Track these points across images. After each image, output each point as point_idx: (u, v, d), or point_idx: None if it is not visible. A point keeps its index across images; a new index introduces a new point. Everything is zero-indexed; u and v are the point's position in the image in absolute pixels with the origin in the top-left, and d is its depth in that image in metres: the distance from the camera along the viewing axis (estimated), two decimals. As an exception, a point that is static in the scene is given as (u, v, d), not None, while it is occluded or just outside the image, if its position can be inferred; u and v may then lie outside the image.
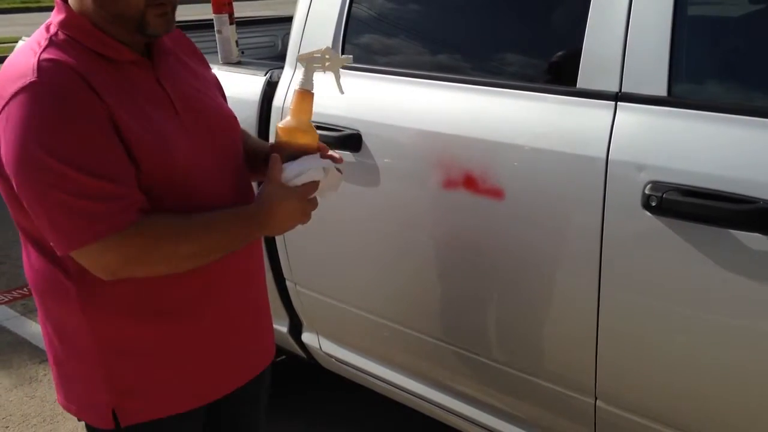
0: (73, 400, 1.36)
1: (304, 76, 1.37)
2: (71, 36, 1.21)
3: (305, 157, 1.33)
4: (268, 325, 1.53)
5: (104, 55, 1.21)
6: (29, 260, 1.31)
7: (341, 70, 1.42)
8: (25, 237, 1.29)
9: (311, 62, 1.38)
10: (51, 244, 1.19)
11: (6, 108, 1.14)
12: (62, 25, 1.21)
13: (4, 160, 1.16)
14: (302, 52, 1.98)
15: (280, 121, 1.38)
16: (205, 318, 1.33)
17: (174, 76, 1.31)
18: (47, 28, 1.23)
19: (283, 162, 1.32)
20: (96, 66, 1.19)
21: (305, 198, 1.32)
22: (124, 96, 1.20)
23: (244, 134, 1.56)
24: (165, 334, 1.30)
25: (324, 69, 1.40)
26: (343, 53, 1.94)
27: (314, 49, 1.41)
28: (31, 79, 1.13)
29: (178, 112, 1.28)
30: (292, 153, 1.33)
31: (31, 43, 1.21)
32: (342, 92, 1.43)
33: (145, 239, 1.18)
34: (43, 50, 1.17)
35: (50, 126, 1.12)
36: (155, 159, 1.21)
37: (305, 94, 1.36)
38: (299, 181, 1.30)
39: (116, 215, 1.15)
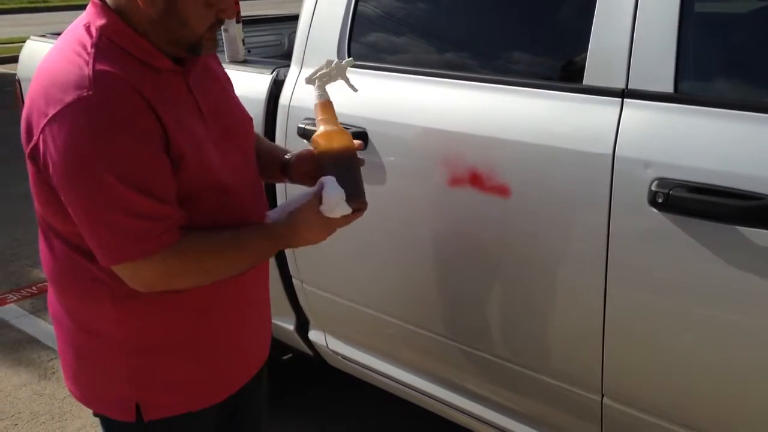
0: (93, 394, 1.37)
1: (318, 90, 1.44)
2: (115, 42, 1.19)
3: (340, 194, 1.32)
4: (269, 319, 1.56)
5: (148, 63, 1.20)
6: (53, 255, 1.30)
7: (350, 69, 1.47)
8: (49, 231, 1.29)
9: (319, 79, 1.44)
10: (94, 253, 1.20)
11: (60, 116, 1.12)
12: (105, 30, 1.19)
13: (52, 167, 1.15)
14: (306, 56, 2.00)
15: (315, 133, 1.42)
16: (227, 314, 1.36)
17: (201, 83, 1.31)
18: (89, 31, 1.19)
19: (326, 170, 1.36)
20: (143, 76, 1.19)
21: (335, 229, 1.35)
22: (169, 107, 1.20)
23: (257, 136, 1.58)
24: (192, 329, 1.32)
25: (332, 80, 1.46)
26: (349, 51, 1.94)
27: (318, 65, 1.47)
28: (89, 92, 1.12)
29: (205, 119, 1.28)
30: (332, 159, 1.38)
31: (75, 47, 1.18)
32: (356, 90, 1.49)
33: (185, 257, 1.21)
34: (95, 59, 1.15)
35: (107, 141, 1.12)
36: (193, 168, 1.22)
37: (326, 103, 1.44)
38: (336, 214, 1.31)
39: (162, 235, 1.18)
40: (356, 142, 1.43)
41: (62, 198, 1.17)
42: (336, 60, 1.46)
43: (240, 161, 1.36)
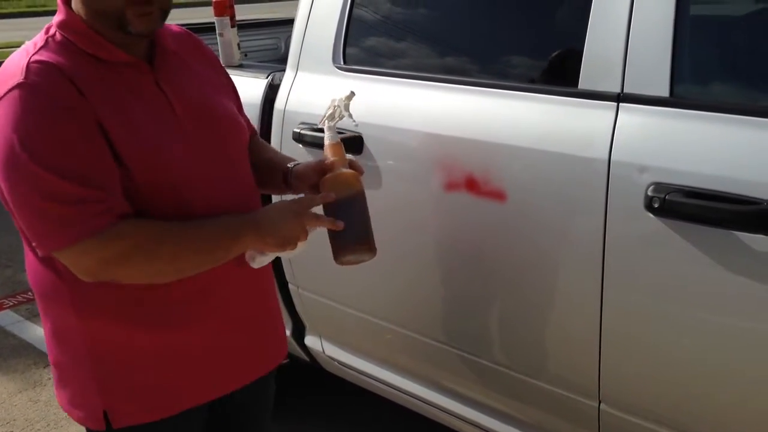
0: (68, 401, 1.37)
1: (328, 132, 1.41)
2: (67, 37, 1.22)
3: None
4: (274, 327, 1.53)
5: (98, 57, 1.21)
6: (28, 262, 1.33)
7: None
8: (24, 239, 1.29)
9: (329, 119, 1.43)
10: (32, 242, 1.21)
11: None
12: (60, 26, 1.23)
13: None
14: (301, 60, 1.99)
15: (327, 175, 1.38)
16: (201, 323, 1.33)
17: (176, 79, 1.30)
18: (47, 30, 1.24)
19: (336, 214, 1.32)
20: (87, 68, 1.20)
21: (308, 221, 1.30)
22: (113, 98, 1.20)
23: (261, 145, 1.56)
24: (158, 338, 1.30)
25: (340, 118, 1.44)
26: (344, 55, 1.94)
27: (328, 108, 1.45)
28: (19, 80, 1.15)
29: (178, 115, 1.27)
30: (341, 202, 1.34)
31: (28, 44, 1.23)
32: (356, 123, 1.49)
33: (123, 242, 1.18)
34: (36, 52, 1.19)
35: (32, 128, 1.13)
36: (143, 163, 1.21)
37: (336, 145, 1.40)
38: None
39: (90, 219, 1.15)
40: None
41: (3, 192, 1.18)
42: (338, 97, 1.45)
43: (221, 163, 1.32)
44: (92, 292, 1.24)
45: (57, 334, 1.33)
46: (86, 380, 1.31)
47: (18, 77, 1.15)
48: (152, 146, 1.22)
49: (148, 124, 1.23)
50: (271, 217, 1.29)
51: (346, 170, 1.38)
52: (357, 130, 1.81)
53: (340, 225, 1.31)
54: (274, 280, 1.52)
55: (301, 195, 1.42)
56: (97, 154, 1.17)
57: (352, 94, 1.45)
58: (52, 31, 1.23)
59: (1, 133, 1.14)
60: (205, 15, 3.67)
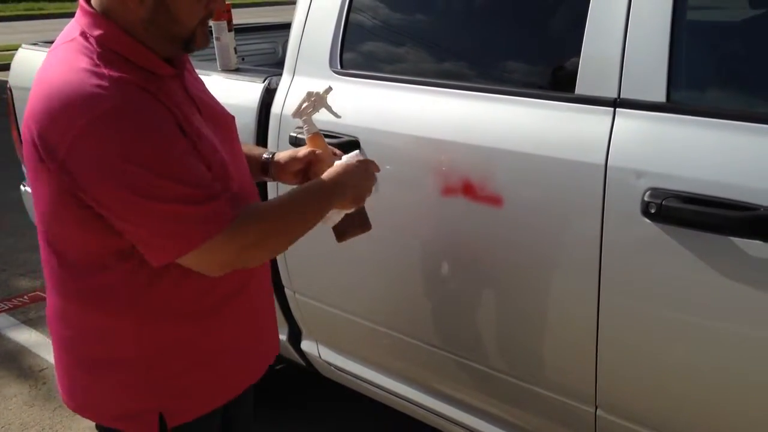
0: (105, 407, 1.34)
1: (305, 125, 1.50)
2: (116, 51, 1.18)
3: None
4: (274, 328, 1.57)
5: (148, 70, 1.21)
6: (70, 277, 1.28)
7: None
8: (56, 243, 1.27)
9: (304, 112, 1.50)
10: (148, 255, 1.20)
11: (89, 129, 1.12)
12: (104, 39, 1.18)
13: (87, 182, 1.15)
14: (298, 64, 1.99)
15: (320, 165, 1.50)
16: (237, 315, 1.37)
17: (193, 85, 1.34)
18: (88, 41, 1.18)
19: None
20: (148, 81, 1.19)
21: (366, 168, 1.43)
22: (181, 111, 1.22)
23: None
24: (205, 332, 1.33)
25: (316, 110, 1.51)
26: (341, 60, 1.94)
27: (303, 98, 1.52)
28: (113, 102, 1.12)
29: (204, 119, 1.31)
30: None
31: (79, 58, 1.17)
32: (338, 117, 1.55)
33: (257, 226, 1.24)
34: (107, 69, 1.15)
35: (140, 144, 1.14)
36: (214, 165, 1.24)
37: (314, 136, 1.51)
38: (353, 159, 1.44)
39: (222, 211, 1.20)
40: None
41: (109, 213, 1.17)
42: (315, 90, 1.50)
43: (237, 157, 1.39)
44: (146, 293, 1.25)
45: (95, 340, 1.30)
46: (136, 385, 1.31)
47: (108, 99, 1.12)
48: (213, 147, 1.27)
49: (204, 130, 1.27)
50: (347, 179, 1.40)
51: (339, 160, 1.45)
52: (353, 135, 1.81)
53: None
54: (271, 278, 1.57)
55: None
56: (198, 161, 1.21)
57: (330, 88, 1.52)
58: (94, 45, 1.18)
59: (108, 153, 1.12)
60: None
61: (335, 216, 1.45)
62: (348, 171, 1.40)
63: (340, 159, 1.46)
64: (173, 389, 1.33)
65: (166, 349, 1.30)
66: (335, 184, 1.38)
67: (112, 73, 1.15)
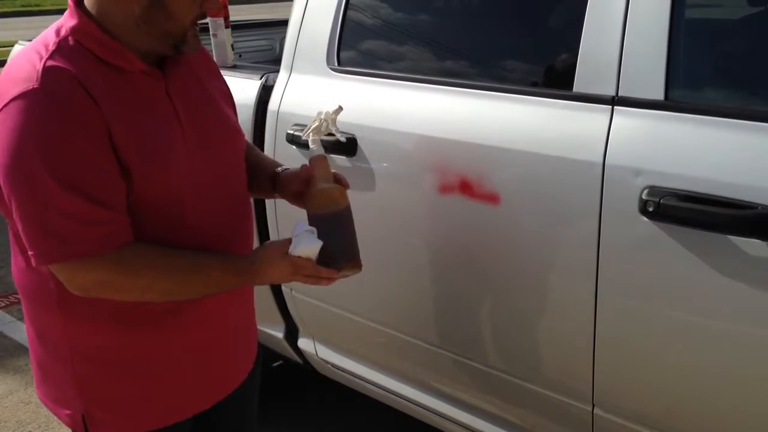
0: (53, 399, 1.36)
1: (313, 145, 1.42)
2: (81, 43, 1.17)
3: (310, 233, 1.29)
4: (252, 335, 1.51)
5: (114, 64, 1.18)
6: (16, 262, 1.31)
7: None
8: (14, 240, 1.27)
9: (314, 133, 1.43)
10: (28, 252, 1.17)
11: (5, 110, 1.11)
12: (73, 30, 1.18)
13: None
14: (295, 61, 1.98)
15: (311, 190, 1.36)
16: (191, 332, 1.32)
17: (183, 90, 1.28)
18: (57, 32, 1.19)
19: (318, 227, 1.29)
20: (102, 75, 1.16)
21: (299, 273, 1.28)
22: (126, 106, 1.18)
23: (252, 148, 1.55)
24: (144, 347, 1.29)
25: (325, 132, 1.44)
26: (338, 57, 1.93)
27: (314, 120, 1.46)
28: (34, 86, 1.11)
29: (183, 127, 1.25)
30: (325, 218, 1.32)
31: (37, 45, 1.18)
32: (343, 140, 1.50)
33: (122, 268, 1.17)
34: (50, 56, 1.14)
35: (47, 138, 1.10)
36: (148, 172, 1.19)
37: (319, 158, 1.38)
38: (296, 252, 1.26)
39: (96, 240, 1.14)
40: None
41: (5, 192, 1.15)
42: (325, 111, 1.45)
43: (220, 175, 1.31)
44: (79, 297, 1.21)
45: (40, 335, 1.32)
46: (67, 382, 1.30)
47: (31, 82, 1.11)
48: (159, 156, 1.20)
49: (156, 133, 1.21)
50: (271, 273, 1.28)
51: (332, 186, 1.35)
52: (350, 132, 1.80)
53: (334, 277, 1.30)
54: (253, 290, 1.49)
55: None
56: (108, 171, 1.15)
57: (340, 108, 1.45)
58: (63, 35, 1.18)
59: (15, 138, 1.10)
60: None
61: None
62: (272, 263, 1.26)
63: (338, 184, 1.37)
64: (98, 398, 1.29)
65: (91, 354, 1.27)
66: (249, 271, 1.27)
67: (51, 59, 1.13)
